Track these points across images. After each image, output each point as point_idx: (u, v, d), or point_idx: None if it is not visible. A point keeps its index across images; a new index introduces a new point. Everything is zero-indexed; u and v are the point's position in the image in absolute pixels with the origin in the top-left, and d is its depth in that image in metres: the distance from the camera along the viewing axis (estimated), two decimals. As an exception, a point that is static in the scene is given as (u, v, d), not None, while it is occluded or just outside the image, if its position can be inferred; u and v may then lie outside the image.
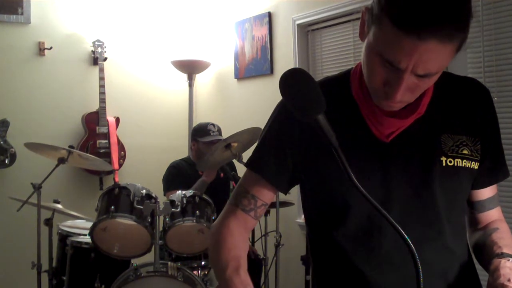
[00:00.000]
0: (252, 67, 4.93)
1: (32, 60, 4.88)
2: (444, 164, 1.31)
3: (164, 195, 4.07)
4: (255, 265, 3.89)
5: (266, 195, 1.42)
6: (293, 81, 1.12)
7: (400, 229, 0.98)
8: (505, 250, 1.29)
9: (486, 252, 1.35)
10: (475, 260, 1.44)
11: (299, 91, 1.11)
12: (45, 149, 3.64)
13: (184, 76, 5.39)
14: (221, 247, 1.37)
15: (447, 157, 1.31)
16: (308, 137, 1.33)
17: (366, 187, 1.06)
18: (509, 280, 1.16)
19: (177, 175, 4.13)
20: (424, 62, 1.11)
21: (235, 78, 5.17)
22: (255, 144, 1.47)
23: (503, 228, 1.41)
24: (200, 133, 4.15)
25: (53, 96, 4.96)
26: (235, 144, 3.51)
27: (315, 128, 1.09)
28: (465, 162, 1.32)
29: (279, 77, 1.13)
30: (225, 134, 3.69)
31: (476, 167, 1.34)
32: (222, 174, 4.06)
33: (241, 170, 3.99)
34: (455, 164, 1.31)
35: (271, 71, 4.70)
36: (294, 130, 1.36)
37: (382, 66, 1.16)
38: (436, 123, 1.34)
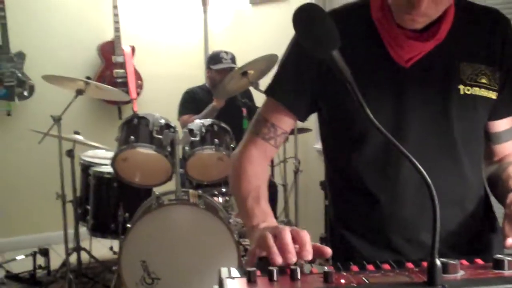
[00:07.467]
0: (268, -9, 4.81)
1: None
2: (462, 93, 1.30)
3: (178, 120, 4.14)
4: (270, 191, 3.94)
5: (286, 123, 1.42)
6: (306, 18, 1.08)
7: (415, 160, 0.94)
8: None
9: (501, 186, 1.35)
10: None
11: (312, 27, 1.07)
12: (63, 81, 3.64)
13: (199, 1, 5.30)
14: (241, 177, 1.39)
15: (465, 85, 1.30)
16: (326, 66, 1.30)
17: (382, 115, 1.05)
18: None
19: (190, 101, 4.24)
20: None
21: (250, 3, 5.06)
22: (272, 71, 1.46)
23: None
24: (213, 61, 4.22)
25: (67, 25, 4.90)
26: (251, 72, 3.48)
27: (330, 64, 1.06)
28: (483, 91, 1.31)
29: (295, 4, 1.10)
30: (241, 61, 3.65)
31: (493, 97, 1.33)
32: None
33: (258, 98, 3.97)
34: (473, 93, 1.30)
35: (287, -4, 4.58)
36: (313, 58, 1.33)
37: None
38: (455, 51, 1.32)
